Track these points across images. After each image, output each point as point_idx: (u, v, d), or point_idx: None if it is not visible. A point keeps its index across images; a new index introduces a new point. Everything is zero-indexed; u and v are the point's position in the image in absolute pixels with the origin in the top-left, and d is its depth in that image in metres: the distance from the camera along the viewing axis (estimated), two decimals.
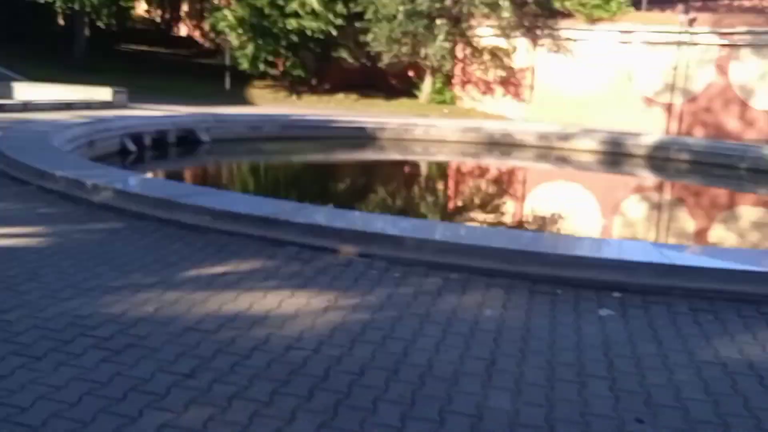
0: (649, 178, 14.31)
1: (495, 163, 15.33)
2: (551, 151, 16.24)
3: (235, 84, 20.57)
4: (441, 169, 14.60)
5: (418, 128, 16.65)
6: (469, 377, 3.07)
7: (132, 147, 11.19)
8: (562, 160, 15.47)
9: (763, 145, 15.22)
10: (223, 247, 4.90)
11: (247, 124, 14.48)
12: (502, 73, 20.35)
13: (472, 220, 7.69)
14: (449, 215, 8.01)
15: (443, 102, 21.04)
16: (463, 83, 21.36)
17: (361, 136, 15.99)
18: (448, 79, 21.47)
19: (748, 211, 10.99)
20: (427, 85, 21.23)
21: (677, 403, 2.98)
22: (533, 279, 4.44)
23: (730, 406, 2.97)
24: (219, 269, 4.42)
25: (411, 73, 22.22)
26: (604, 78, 19.38)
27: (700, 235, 8.56)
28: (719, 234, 8.80)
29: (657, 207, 10.85)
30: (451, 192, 11.17)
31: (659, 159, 15.41)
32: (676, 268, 4.42)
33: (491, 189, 12.05)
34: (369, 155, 14.91)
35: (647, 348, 3.56)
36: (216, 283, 4.15)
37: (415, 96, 21.68)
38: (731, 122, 17.63)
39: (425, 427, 2.62)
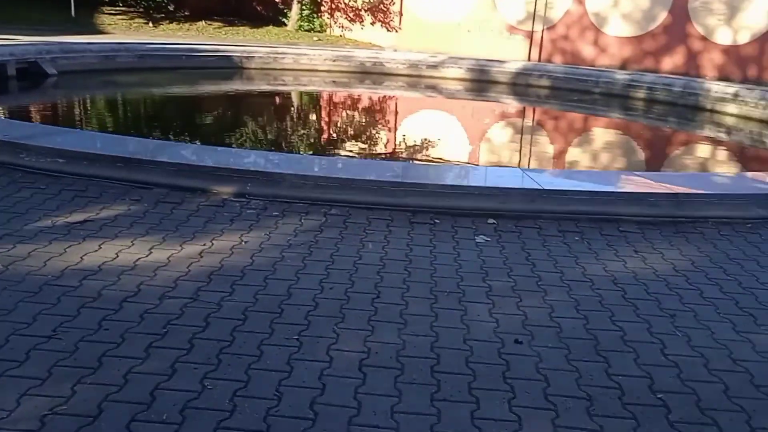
0: (513, 105, 14.81)
1: (367, 93, 15.20)
2: (421, 80, 16.33)
3: (82, 11, 18.71)
4: (314, 100, 14.27)
5: (287, 57, 16.08)
6: (356, 313, 3.04)
7: None
8: (432, 89, 15.62)
9: (615, 70, 16.15)
10: (80, 193, 4.49)
11: (99, 53, 13.26)
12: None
13: (349, 152, 7.55)
14: (325, 148, 7.79)
15: (312, 30, 20.40)
16: (332, 10, 20.77)
17: (227, 66, 15.21)
18: (316, 6, 20.79)
19: (603, 134, 11.70)
20: (295, 12, 20.45)
21: (552, 322, 3.12)
22: (412, 210, 4.46)
23: (598, 321, 3.16)
24: (77, 217, 4.06)
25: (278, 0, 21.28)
26: (469, 5, 19.58)
27: (563, 158, 9.01)
28: (580, 157, 9.31)
29: (522, 132, 11.28)
30: (325, 124, 10.87)
31: (522, 85, 15.96)
32: (545, 192, 4.60)
33: (365, 119, 11.95)
34: (237, 86, 14.23)
35: (522, 270, 3.70)
36: (74, 233, 3.81)
37: (282, 24, 20.84)
38: (587, 49, 18.50)
39: (314, 367, 2.57)
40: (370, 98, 14.52)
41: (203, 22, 19.75)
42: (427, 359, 2.70)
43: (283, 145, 7.56)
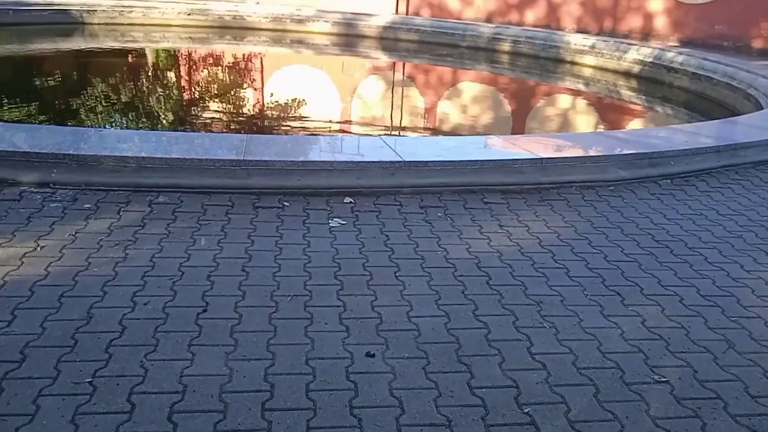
0: (380, 60, 14.36)
1: (223, 50, 14.16)
2: (286, 35, 15.45)
3: None
4: (155, 61, 13.01)
5: (135, 11, 14.62)
6: (173, 337, 2.48)
7: None
8: (297, 44, 14.82)
9: (481, 24, 16.05)
10: None
11: None
12: None
13: (190, 124, 6.66)
14: (161, 120, 6.76)
15: None
16: None
17: (65, 22, 13.59)
18: None
19: (469, 90, 11.53)
20: None
21: (409, 323, 2.73)
22: (258, 192, 3.90)
23: (461, 318, 2.80)
24: None
25: None
26: None
27: (430, 119, 8.69)
28: (445, 117, 9.04)
29: (388, 91, 10.86)
30: (164, 90, 9.49)
31: (390, 39, 15.51)
32: (405, 164, 4.19)
33: (215, 82, 11.03)
34: (67, 45, 12.65)
35: (379, 259, 3.27)
36: None
37: None
38: (453, 2, 18.29)
39: (109, 422, 2.01)
40: (224, 57, 13.51)
41: None
42: (258, 393, 2.21)
43: (108, 118, 6.59)
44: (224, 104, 8.48)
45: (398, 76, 12.52)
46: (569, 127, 8.36)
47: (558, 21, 16.52)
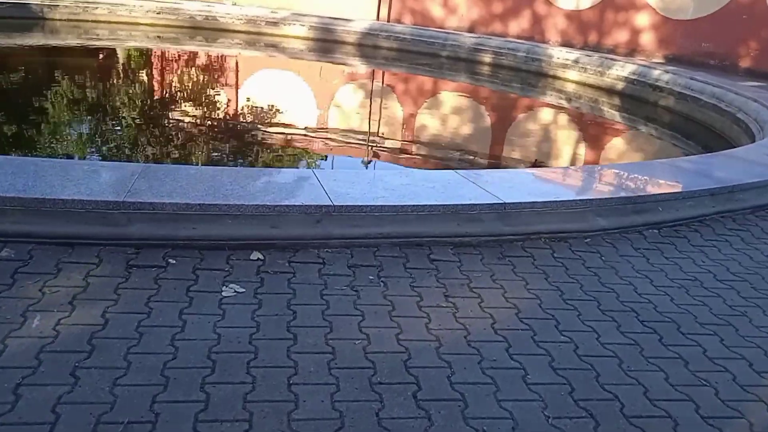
0: (353, 69, 13.45)
1: (185, 51, 13.18)
2: (260, 38, 14.52)
3: None
4: (92, 61, 12.02)
5: (100, 7, 13.64)
6: None
7: None
8: (271, 48, 13.88)
9: (462, 33, 15.23)
10: None
11: None
12: None
13: (84, 143, 5.46)
14: (54, 136, 5.56)
15: None
16: None
17: (24, 17, 12.59)
18: None
19: (440, 105, 10.65)
20: None
21: None
22: (137, 244, 2.98)
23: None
24: None
25: None
26: None
27: (391, 139, 7.80)
28: (411, 136, 8.14)
29: (354, 105, 9.93)
30: (76, 97, 7.64)
31: (369, 46, 14.64)
32: (335, 208, 3.29)
33: (156, 89, 10.08)
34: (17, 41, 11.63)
35: (274, 354, 2.38)
36: None
37: None
38: (436, 9, 17.44)
39: None
40: (185, 59, 12.53)
41: None
42: None
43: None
44: (157, 116, 7.46)
45: (371, 86, 11.62)
46: (543, 150, 7.48)
47: (542, 33, 15.71)
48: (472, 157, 6.54)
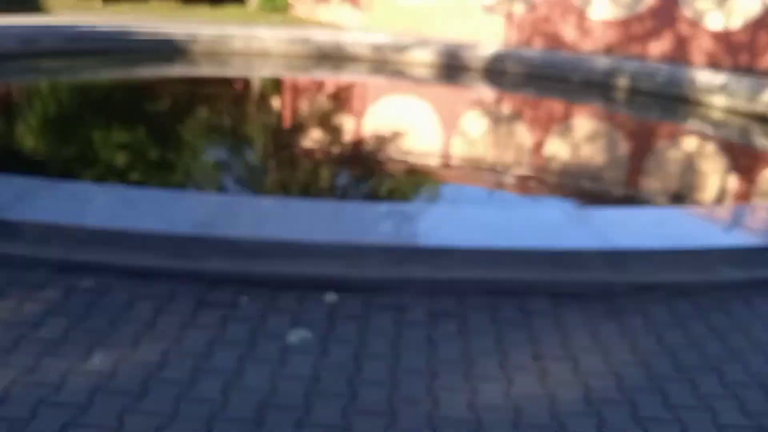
0: (476, 95, 13.17)
1: (310, 79, 13.56)
2: (385, 65, 14.70)
3: None
4: (223, 89, 12.59)
5: (236, 39, 14.46)
6: None
7: None
8: (395, 75, 13.99)
9: (596, 57, 14.54)
10: None
11: (19, 36, 11.65)
12: None
13: (188, 172, 5.61)
14: (167, 163, 5.73)
15: (275, 10, 18.70)
16: None
17: (168, 50, 13.59)
18: None
19: (563, 135, 10.10)
20: None
21: None
22: (212, 280, 2.93)
23: None
24: None
25: None
26: None
27: (505, 169, 7.44)
28: (528, 166, 7.72)
29: (474, 132, 9.67)
30: (195, 128, 7.79)
31: (495, 72, 14.35)
32: (419, 251, 3.07)
33: (275, 118, 10.35)
34: (160, 72, 12.52)
35: (330, 412, 2.18)
36: None
37: (244, 3, 19.16)
38: (569, 32, 16.83)
39: None
40: (308, 87, 12.87)
41: (156, 1, 18.06)
42: None
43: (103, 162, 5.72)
44: (272, 144, 7.63)
45: (496, 112, 11.30)
46: (679, 186, 6.74)
47: (686, 55, 14.64)
48: (593, 192, 6.04)
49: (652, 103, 12.00)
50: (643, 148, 8.92)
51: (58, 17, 14.85)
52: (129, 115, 8.32)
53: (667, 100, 11.97)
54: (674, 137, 9.76)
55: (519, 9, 17.43)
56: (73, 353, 2.36)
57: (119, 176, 5.34)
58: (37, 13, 15.63)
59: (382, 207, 3.55)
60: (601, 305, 3.07)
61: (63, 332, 2.48)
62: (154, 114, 8.50)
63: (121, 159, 5.90)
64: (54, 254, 2.90)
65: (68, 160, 5.83)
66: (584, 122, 10.78)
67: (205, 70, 12.92)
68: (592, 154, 8.05)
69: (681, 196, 6.06)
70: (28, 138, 6.94)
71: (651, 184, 6.64)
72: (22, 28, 12.11)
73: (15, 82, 10.43)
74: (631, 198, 5.92)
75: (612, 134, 9.84)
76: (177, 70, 12.64)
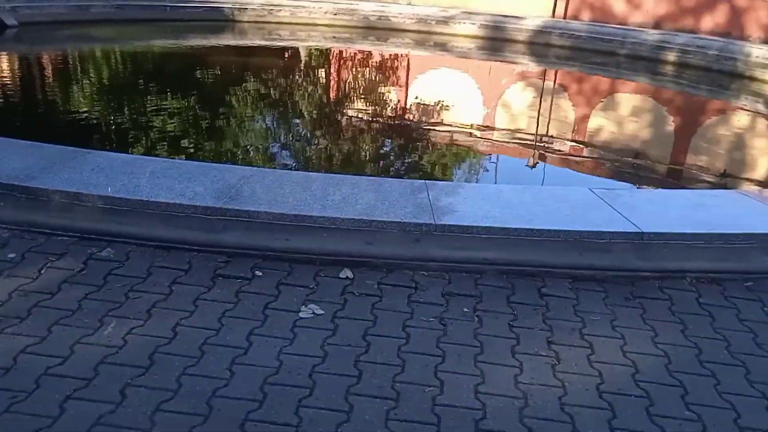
0: (519, 68, 12.77)
1: (354, 51, 13.36)
2: (430, 37, 14.40)
3: None
4: (274, 59, 12.50)
5: (283, 9, 14.35)
6: None
7: None
8: (439, 47, 13.69)
9: (645, 30, 13.91)
10: None
11: (69, 3, 11.77)
12: None
13: (227, 143, 5.50)
14: (179, 140, 5.48)
15: None
16: None
17: (217, 19, 13.60)
18: None
19: (614, 108, 9.70)
20: None
21: None
22: (229, 253, 2.89)
23: None
24: None
25: None
26: None
27: (542, 146, 7.19)
28: (567, 143, 7.45)
29: (512, 106, 9.35)
30: (239, 96, 7.75)
31: (540, 45, 13.90)
32: (438, 227, 2.96)
33: (320, 88, 10.23)
34: (210, 41, 12.46)
35: (328, 395, 2.12)
36: None
37: None
38: (618, 4, 16.11)
39: None
40: (353, 58, 12.68)
41: None
42: None
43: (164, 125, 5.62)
44: (312, 116, 7.53)
45: (538, 86, 10.94)
46: (722, 166, 6.36)
47: (741, 29, 13.87)
48: (628, 171, 5.77)
49: (702, 78, 11.42)
50: (687, 125, 8.51)
51: None
52: (171, 84, 8.35)
53: (718, 76, 11.39)
54: (722, 115, 9.27)
55: None
56: (85, 323, 2.35)
57: (154, 145, 5.36)
58: None
59: (403, 183, 3.44)
60: (624, 290, 2.91)
61: (77, 302, 2.47)
62: (196, 82, 8.51)
63: (157, 128, 5.92)
64: (76, 223, 2.90)
65: (106, 128, 5.88)
66: (628, 97, 10.35)
67: (251, 39, 12.87)
68: (633, 131, 7.71)
69: (722, 178, 5.73)
70: (71, 105, 7.03)
71: (692, 164, 6.32)
72: None
73: (64, 49, 10.58)
74: (668, 178, 5.64)
75: (656, 110, 9.41)
76: (223, 39, 12.63)
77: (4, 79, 8.35)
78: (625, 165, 5.97)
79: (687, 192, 4.35)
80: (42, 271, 2.65)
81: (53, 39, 10.91)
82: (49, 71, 9.10)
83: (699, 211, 3.39)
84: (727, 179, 5.73)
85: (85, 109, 6.81)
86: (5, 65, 9.17)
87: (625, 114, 8.95)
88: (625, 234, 3.07)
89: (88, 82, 8.19)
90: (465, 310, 2.67)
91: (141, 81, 8.86)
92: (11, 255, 2.75)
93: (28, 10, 11.01)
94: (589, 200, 3.41)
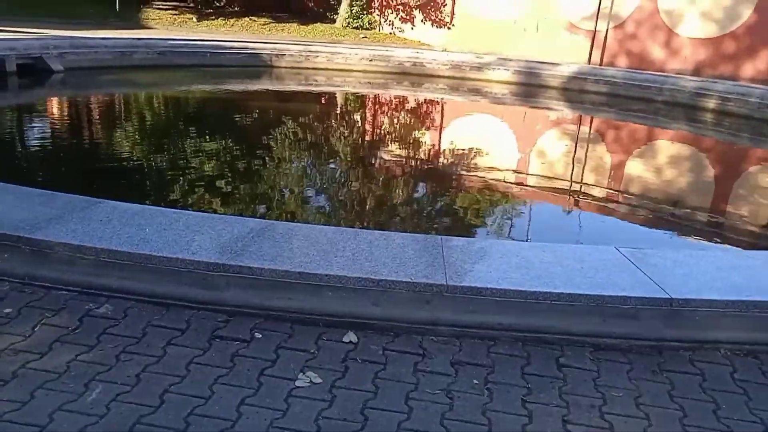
0: (553, 114, 12.58)
1: (387, 96, 13.39)
2: (463, 83, 14.40)
3: (129, 5, 17.88)
4: (302, 106, 12.56)
5: (320, 55, 14.56)
6: None
7: None
8: (473, 92, 13.64)
9: (683, 76, 13.65)
10: None
11: (114, 49, 12.15)
12: None
13: (231, 195, 5.27)
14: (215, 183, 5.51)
15: (360, 27, 18.76)
16: (383, 7, 19.04)
17: (255, 65, 13.85)
18: (368, 3, 19.13)
19: (650, 157, 9.41)
20: (344, 8, 18.86)
21: None
22: (231, 311, 2.76)
23: None
24: None
25: None
26: (528, 2, 17.33)
27: (571, 200, 6.95)
28: (598, 197, 7.20)
29: (541, 155, 9.17)
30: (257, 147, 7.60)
31: (575, 91, 13.75)
32: (448, 288, 2.78)
33: (348, 134, 10.20)
34: (243, 87, 12.71)
35: None
36: None
37: (332, 21, 19.33)
38: (656, 51, 15.92)
39: None
40: (384, 104, 12.70)
41: (248, 18, 18.52)
42: None
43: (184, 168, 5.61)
44: (340, 164, 7.50)
45: (572, 132, 10.73)
46: (758, 226, 5.97)
47: None
48: (662, 227, 5.48)
49: (743, 127, 11.07)
50: (727, 177, 8.17)
51: (154, 32, 15.45)
52: (205, 129, 8.44)
53: (759, 124, 11.02)
54: (764, 165, 8.90)
55: (604, 26, 16.66)
56: (69, 388, 2.23)
57: (176, 192, 5.33)
58: (137, 29, 16.33)
59: (417, 239, 3.27)
60: (650, 362, 2.67)
61: (66, 363, 2.36)
62: (229, 128, 8.58)
63: (184, 174, 5.92)
64: (77, 277, 2.82)
65: (132, 173, 5.90)
66: (664, 146, 10.05)
67: (287, 84, 13.05)
68: (668, 182, 7.42)
69: (760, 238, 5.40)
70: (105, 149, 7.13)
71: (729, 219, 5.99)
72: (119, 40, 12.62)
73: (105, 94, 10.87)
74: (702, 236, 5.32)
75: (693, 160, 9.09)
76: (260, 85, 12.83)
77: (44, 123, 8.57)
78: (656, 220, 5.68)
79: (721, 252, 4.08)
80: (36, 329, 2.56)
81: (96, 84, 11.23)
82: (88, 115, 9.32)
83: (734, 274, 3.13)
84: (763, 239, 5.40)
85: (116, 153, 6.88)
86: (48, 109, 9.43)
87: (661, 164, 8.66)
88: (653, 299, 2.83)
89: (124, 126, 8.34)
90: (475, 381, 2.47)
91: (177, 126, 9.00)
92: (7, 310, 2.67)
93: (75, 56, 11.37)
94: (614, 260, 3.19)
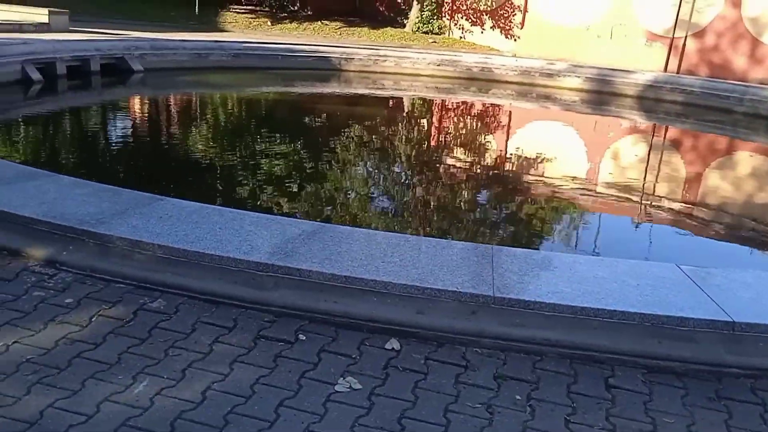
0: (631, 123, 12.15)
1: (455, 101, 13.27)
2: (532, 89, 14.14)
3: (208, 9, 18.48)
4: (369, 109, 12.58)
5: (389, 60, 14.62)
6: None
7: (36, 76, 9.53)
8: (543, 99, 13.37)
9: (766, 87, 12.92)
10: None
11: (192, 51, 12.59)
12: (493, 1, 17.90)
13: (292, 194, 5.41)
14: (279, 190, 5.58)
15: (430, 32, 18.71)
16: (453, 12, 18.92)
17: (324, 68, 14.04)
18: (438, 8, 19.07)
19: (728, 170, 8.93)
20: (414, 13, 18.87)
21: None
22: (277, 312, 2.79)
23: None
24: None
25: (400, 0, 19.84)
26: (602, 8, 16.82)
27: (640, 214, 6.67)
28: (669, 212, 6.88)
29: (613, 166, 8.85)
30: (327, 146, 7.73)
31: (649, 100, 13.27)
32: (494, 300, 2.71)
33: (413, 138, 10.14)
34: (310, 90, 12.83)
35: None
36: None
37: (402, 25, 19.38)
38: (738, 60, 15.14)
39: None
40: (450, 109, 12.58)
41: (320, 22, 18.79)
42: None
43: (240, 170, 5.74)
44: (402, 168, 7.48)
45: (640, 143, 10.34)
46: None
47: None
48: (729, 245, 5.17)
49: None
50: None
51: (229, 35, 15.90)
52: (274, 130, 8.61)
53: None
54: None
55: (683, 34, 15.97)
56: (118, 379, 2.29)
57: (239, 191, 5.45)
58: (214, 32, 16.84)
59: (467, 247, 3.21)
60: (708, 388, 2.51)
61: (118, 355, 2.43)
62: (297, 129, 8.72)
63: (249, 174, 6.05)
64: (134, 271, 2.91)
65: (198, 171, 6.07)
66: (742, 159, 9.53)
67: (356, 88, 13.15)
68: (743, 197, 7.02)
69: None
70: (178, 146, 7.38)
71: None
72: (197, 42, 13.05)
73: (181, 93, 11.28)
74: None
75: None
76: (329, 88, 12.99)
77: (122, 120, 8.96)
78: (727, 237, 5.38)
79: None
80: (92, 319, 2.66)
81: (173, 84, 11.66)
82: (164, 114, 9.69)
83: None
84: None
85: (186, 151, 7.11)
86: (127, 107, 9.86)
87: (738, 178, 8.22)
88: (714, 322, 2.67)
89: (196, 126, 8.62)
90: (517, 397, 2.39)
91: (246, 127, 9.22)
92: (68, 300, 2.78)
93: (154, 57, 11.84)
94: (674, 278, 3.03)
